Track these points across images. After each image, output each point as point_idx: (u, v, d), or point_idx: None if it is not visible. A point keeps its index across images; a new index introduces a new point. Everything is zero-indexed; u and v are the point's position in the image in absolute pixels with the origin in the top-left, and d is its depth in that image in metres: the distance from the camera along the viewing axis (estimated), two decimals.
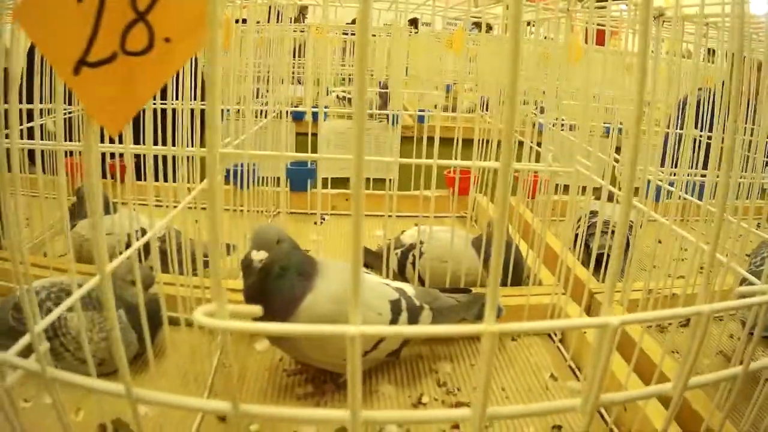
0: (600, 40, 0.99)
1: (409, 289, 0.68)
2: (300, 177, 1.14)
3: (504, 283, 0.79)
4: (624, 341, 0.66)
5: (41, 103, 0.95)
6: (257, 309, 0.26)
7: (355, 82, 0.24)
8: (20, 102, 0.99)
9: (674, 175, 0.81)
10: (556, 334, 0.74)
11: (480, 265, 0.79)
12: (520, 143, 0.86)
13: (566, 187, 0.80)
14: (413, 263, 0.81)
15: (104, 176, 1.01)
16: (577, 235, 0.82)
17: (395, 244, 0.84)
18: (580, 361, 0.71)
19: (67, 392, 0.60)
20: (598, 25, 0.91)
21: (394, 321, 0.65)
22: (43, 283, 0.73)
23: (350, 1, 1.30)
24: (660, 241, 0.83)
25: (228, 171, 0.98)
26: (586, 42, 0.94)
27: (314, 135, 1.01)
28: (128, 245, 0.84)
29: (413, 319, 0.66)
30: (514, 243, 0.81)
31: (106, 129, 0.28)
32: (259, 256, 0.62)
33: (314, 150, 1.00)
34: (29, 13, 0.27)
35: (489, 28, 1.43)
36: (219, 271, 0.28)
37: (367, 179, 0.96)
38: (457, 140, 0.87)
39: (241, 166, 0.93)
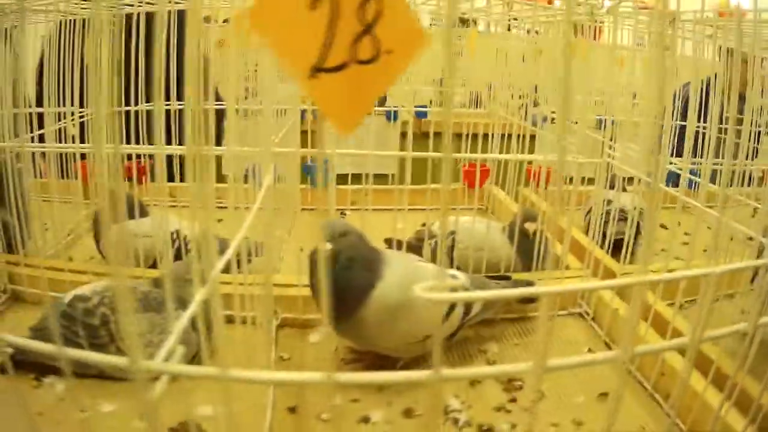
0: (592, 35, 1.09)
1: (461, 276, 0.74)
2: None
3: (533, 268, 0.86)
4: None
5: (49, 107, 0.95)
6: None
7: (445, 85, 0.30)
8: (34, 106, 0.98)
9: (672, 164, 0.91)
10: (588, 313, 0.83)
11: (513, 252, 0.86)
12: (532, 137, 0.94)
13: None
14: (447, 253, 0.87)
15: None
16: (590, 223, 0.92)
17: (426, 235, 0.90)
18: (612, 337, 0.79)
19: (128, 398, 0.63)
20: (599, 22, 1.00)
21: (451, 308, 0.71)
22: (93, 288, 0.73)
23: None
24: (666, 227, 0.94)
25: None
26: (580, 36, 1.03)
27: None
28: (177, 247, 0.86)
29: (468, 305, 0.73)
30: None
31: (338, 130, 0.33)
32: (326, 248, 0.66)
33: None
34: (263, 19, 0.31)
35: (474, 23, 1.52)
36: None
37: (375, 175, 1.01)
38: (468, 135, 0.94)
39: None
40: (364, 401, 0.68)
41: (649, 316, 0.74)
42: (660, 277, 0.43)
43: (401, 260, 0.70)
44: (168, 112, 1.02)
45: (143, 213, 0.90)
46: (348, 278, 0.67)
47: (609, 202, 0.92)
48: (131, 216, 0.87)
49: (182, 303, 0.73)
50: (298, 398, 0.69)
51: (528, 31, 1.25)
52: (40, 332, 0.73)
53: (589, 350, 0.78)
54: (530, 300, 0.79)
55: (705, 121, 0.91)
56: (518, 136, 1.00)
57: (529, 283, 0.80)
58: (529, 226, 0.84)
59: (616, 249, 0.89)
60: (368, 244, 0.70)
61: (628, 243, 0.85)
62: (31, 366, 0.70)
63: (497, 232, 0.89)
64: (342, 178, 1.01)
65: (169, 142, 0.87)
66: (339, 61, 0.32)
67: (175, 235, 0.87)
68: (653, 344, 0.43)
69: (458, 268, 0.86)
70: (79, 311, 0.70)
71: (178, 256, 0.86)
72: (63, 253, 0.97)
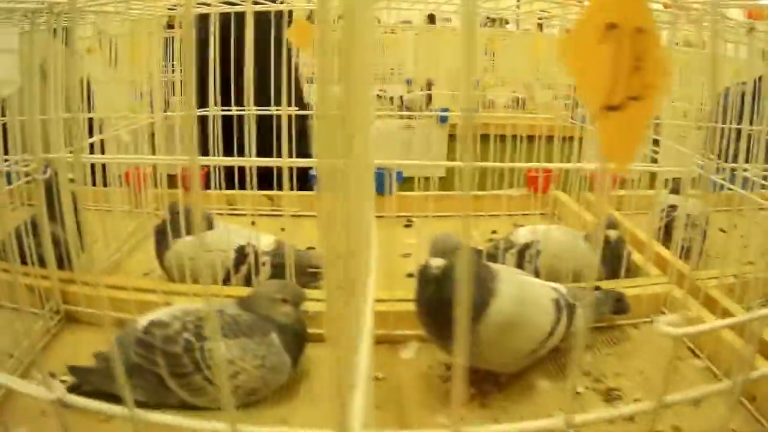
0: None
1: (562, 288, 0.75)
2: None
3: (616, 276, 0.88)
4: None
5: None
6: None
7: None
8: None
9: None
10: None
11: (597, 261, 0.87)
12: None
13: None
14: (531, 262, 0.88)
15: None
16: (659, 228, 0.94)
17: (506, 244, 0.90)
18: (697, 343, 0.82)
19: None
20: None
21: (557, 319, 0.72)
22: (171, 312, 0.70)
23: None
24: (724, 230, 0.97)
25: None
26: None
27: None
28: (239, 261, 0.83)
29: (570, 317, 0.74)
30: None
31: (617, 166, 0.33)
32: (437, 262, 0.66)
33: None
34: (569, 50, 0.31)
35: (506, 23, 1.53)
36: None
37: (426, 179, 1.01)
38: (539, 138, 0.95)
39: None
40: (470, 418, 0.68)
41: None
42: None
43: (510, 275, 0.71)
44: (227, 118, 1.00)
45: (208, 225, 0.87)
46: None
47: (673, 207, 0.94)
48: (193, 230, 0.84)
49: (274, 324, 0.71)
50: None
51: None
52: (110, 361, 0.69)
53: (676, 358, 0.80)
54: (622, 311, 0.81)
55: (752, 124, 0.95)
56: (568, 138, 1.01)
57: (619, 295, 0.81)
58: (610, 234, 0.85)
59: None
60: (479, 258, 0.70)
61: (700, 249, 0.88)
62: (99, 396, 0.68)
63: (579, 240, 0.90)
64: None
65: (228, 150, 0.84)
66: (621, 97, 0.32)
67: (246, 250, 0.84)
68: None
69: (537, 276, 0.87)
70: (158, 338, 0.67)
71: (250, 273, 0.84)
72: (115, 269, 0.93)
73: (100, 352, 0.72)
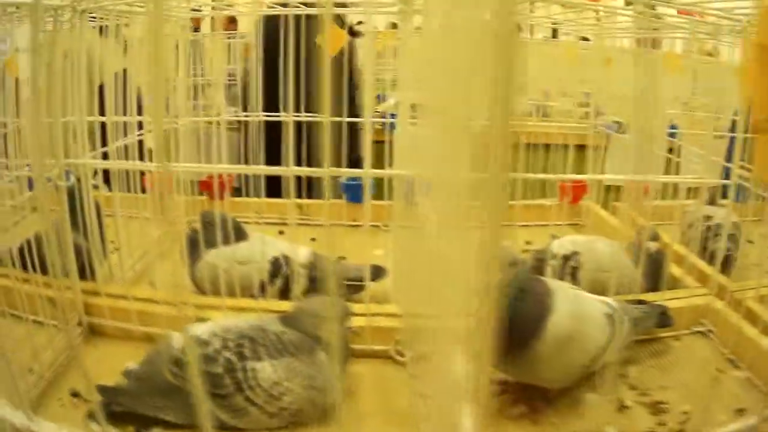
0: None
1: (610, 300, 0.74)
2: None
3: (657, 288, 0.88)
4: None
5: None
6: None
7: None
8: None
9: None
10: (711, 331, 0.86)
11: (639, 273, 0.87)
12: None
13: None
14: (572, 274, 0.87)
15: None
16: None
17: (545, 255, 0.89)
18: (738, 354, 0.82)
19: None
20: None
21: (611, 334, 0.71)
22: (209, 329, 0.67)
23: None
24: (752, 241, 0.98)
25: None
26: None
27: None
28: (274, 274, 0.81)
29: (621, 332, 0.73)
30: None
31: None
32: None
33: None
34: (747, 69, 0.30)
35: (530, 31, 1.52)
36: None
37: None
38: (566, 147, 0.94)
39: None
40: None
41: None
42: None
43: (564, 289, 0.70)
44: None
45: (240, 236, 0.84)
46: (520, 310, 0.65)
47: (708, 217, 0.94)
48: (227, 240, 0.81)
49: (321, 342, 0.68)
50: None
51: (586, 38, 1.26)
52: (142, 380, 0.66)
53: (718, 370, 0.80)
54: (666, 324, 0.81)
55: None
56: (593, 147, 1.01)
57: (663, 308, 0.81)
58: (650, 246, 0.85)
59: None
60: (534, 274, 0.69)
61: (735, 259, 0.88)
62: (129, 417, 0.64)
63: (621, 252, 0.89)
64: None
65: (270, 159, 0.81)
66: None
67: (279, 261, 0.81)
68: None
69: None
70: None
71: (285, 286, 0.81)
72: (139, 280, 0.90)
73: (130, 370, 0.69)
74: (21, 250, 0.73)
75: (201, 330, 0.66)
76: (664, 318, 0.80)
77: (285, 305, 0.76)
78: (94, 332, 0.83)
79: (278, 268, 0.81)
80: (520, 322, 0.65)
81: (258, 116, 1.02)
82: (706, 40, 1.07)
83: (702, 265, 0.88)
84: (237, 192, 1.11)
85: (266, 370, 0.64)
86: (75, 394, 0.72)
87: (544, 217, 1.06)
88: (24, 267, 0.74)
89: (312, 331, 0.68)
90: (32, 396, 0.68)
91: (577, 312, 0.67)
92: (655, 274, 0.86)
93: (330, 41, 0.87)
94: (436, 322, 0.77)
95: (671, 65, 0.94)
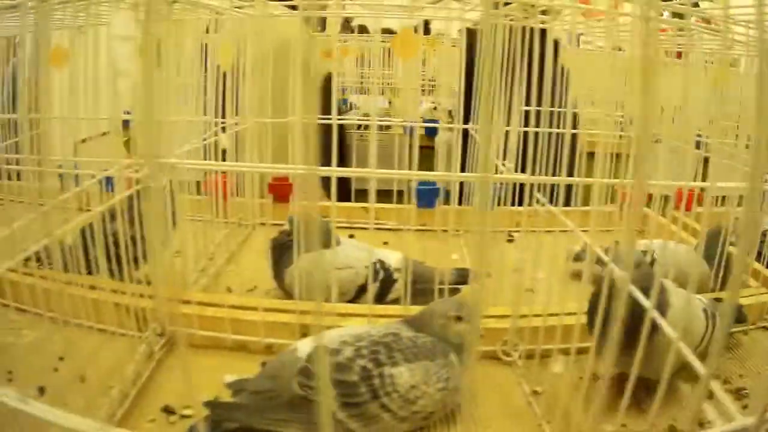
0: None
1: (702, 297, 0.80)
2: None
3: (723, 288, 0.95)
4: None
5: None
6: None
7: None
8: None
9: None
10: None
11: (711, 272, 0.94)
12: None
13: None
14: None
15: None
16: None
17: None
18: None
19: None
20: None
21: (707, 331, 0.77)
22: (337, 337, 0.67)
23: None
24: None
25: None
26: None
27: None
28: (374, 278, 0.80)
29: (714, 326, 0.79)
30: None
31: None
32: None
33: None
34: None
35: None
36: None
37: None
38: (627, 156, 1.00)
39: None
40: (630, 425, 0.72)
41: None
42: None
43: (672, 286, 0.75)
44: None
45: (335, 241, 0.83)
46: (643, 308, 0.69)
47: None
48: (325, 244, 0.81)
49: (451, 345, 0.69)
50: None
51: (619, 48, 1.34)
52: (262, 393, 0.65)
53: None
54: (741, 320, 0.88)
55: None
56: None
57: (738, 305, 0.88)
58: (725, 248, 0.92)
59: None
60: (651, 270, 0.73)
61: None
62: None
63: (694, 253, 0.96)
64: None
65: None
66: None
67: (379, 266, 0.82)
68: None
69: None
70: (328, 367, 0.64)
71: (382, 291, 0.82)
72: (211, 285, 0.87)
73: (238, 382, 0.68)
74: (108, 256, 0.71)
75: (328, 338, 0.66)
76: (738, 314, 0.87)
77: (392, 309, 0.77)
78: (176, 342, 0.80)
79: (374, 272, 0.82)
80: (642, 319, 0.69)
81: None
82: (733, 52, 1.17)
83: (759, 267, 0.96)
84: None
85: (404, 375, 0.64)
86: (170, 411, 0.70)
87: (606, 224, 1.10)
88: (89, 272, 0.71)
89: (440, 333, 0.69)
90: (117, 416, 0.65)
91: (686, 307, 0.72)
92: (723, 274, 0.93)
93: (407, 46, 0.90)
94: (547, 321, 0.81)
95: (720, 78, 1.02)
